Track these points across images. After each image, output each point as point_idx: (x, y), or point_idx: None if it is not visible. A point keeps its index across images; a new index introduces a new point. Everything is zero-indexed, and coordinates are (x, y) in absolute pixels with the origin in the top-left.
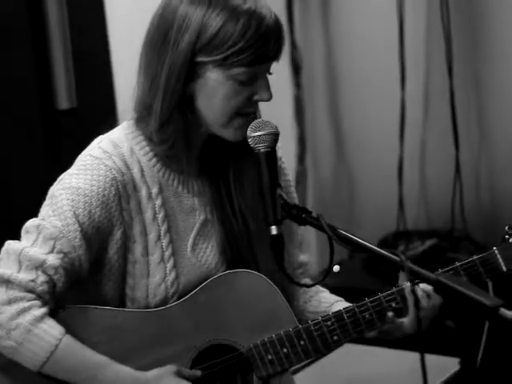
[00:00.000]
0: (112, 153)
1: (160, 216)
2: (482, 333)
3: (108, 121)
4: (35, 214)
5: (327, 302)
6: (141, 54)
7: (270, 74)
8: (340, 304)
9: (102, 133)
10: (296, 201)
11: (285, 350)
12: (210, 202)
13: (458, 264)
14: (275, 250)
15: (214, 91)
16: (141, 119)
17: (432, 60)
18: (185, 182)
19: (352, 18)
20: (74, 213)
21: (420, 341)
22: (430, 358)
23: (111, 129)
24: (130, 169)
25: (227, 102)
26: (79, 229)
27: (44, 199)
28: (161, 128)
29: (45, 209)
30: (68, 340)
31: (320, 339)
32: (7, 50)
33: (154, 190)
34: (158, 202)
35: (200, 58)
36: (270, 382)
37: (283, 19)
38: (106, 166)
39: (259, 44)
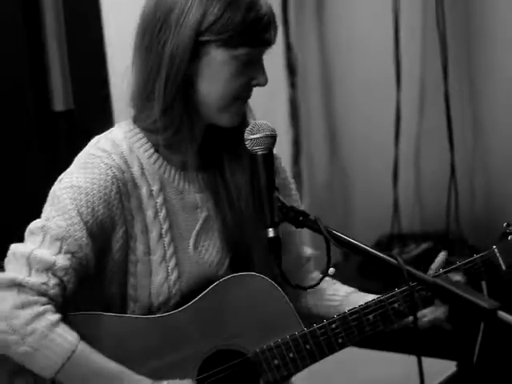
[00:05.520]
0: (111, 151)
1: (161, 214)
2: (478, 335)
3: (104, 122)
4: (33, 217)
5: (339, 295)
6: (135, 41)
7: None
8: (354, 296)
9: (99, 134)
10: (298, 201)
11: (291, 355)
12: (211, 198)
13: (459, 263)
14: (273, 252)
15: (217, 71)
16: (141, 111)
17: (427, 62)
18: (186, 177)
19: (347, 19)
20: (78, 211)
21: (417, 344)
22: (427, 361)
23: (107, 129)
24: (130, 167)
25: (229, 82)
26: (84, 227)
27: (42, 202)
28: (164, 112)
29: (47, 209)
30: (83, 346)
31: (325, 343)
32: (3, 51)
33: (155, 188)
34: (160, 199)
35: (205, 38)
36: None
37: (278, 21)
38: (106, 164)
39: (260, 27)
